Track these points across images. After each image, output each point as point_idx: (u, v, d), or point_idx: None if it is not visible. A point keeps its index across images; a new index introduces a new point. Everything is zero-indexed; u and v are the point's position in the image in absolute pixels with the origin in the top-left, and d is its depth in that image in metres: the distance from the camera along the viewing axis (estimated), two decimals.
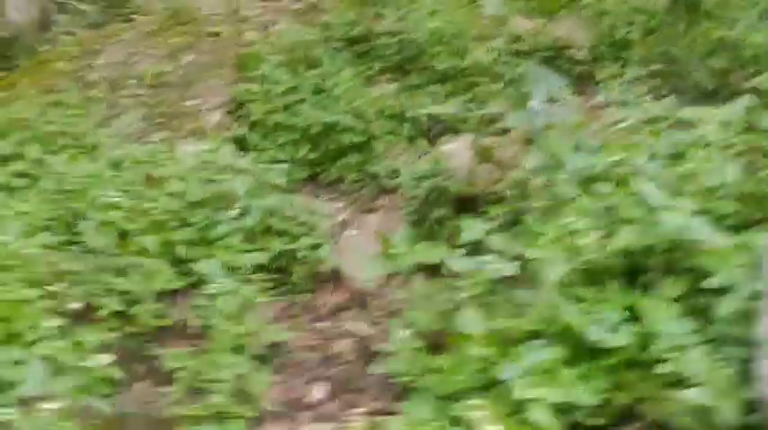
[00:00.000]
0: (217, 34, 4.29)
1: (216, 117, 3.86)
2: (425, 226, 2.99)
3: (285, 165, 3.30)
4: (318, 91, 3.89)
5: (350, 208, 3.55)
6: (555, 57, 4.25)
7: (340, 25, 4.38)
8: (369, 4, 4.55)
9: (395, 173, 3.53)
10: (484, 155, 3.03)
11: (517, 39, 4.40)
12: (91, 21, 6.48)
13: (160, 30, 4.39)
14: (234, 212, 2.80)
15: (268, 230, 2.88)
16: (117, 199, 2.69)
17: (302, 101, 3.83)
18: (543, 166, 2.34)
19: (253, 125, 3.78)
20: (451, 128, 3.78)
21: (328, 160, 3.78)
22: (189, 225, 2.75)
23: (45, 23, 6.09)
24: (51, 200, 2.78)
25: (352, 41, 4.39)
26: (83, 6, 6.56)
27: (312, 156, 3.75)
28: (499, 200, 2.69)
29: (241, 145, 3.58)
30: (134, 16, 6.35)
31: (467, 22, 4.48)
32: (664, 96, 2.93)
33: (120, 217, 2.67)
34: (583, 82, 4.02)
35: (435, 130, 3.87)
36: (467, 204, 2.90)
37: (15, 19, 5.54)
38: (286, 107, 3.81)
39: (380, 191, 3.64)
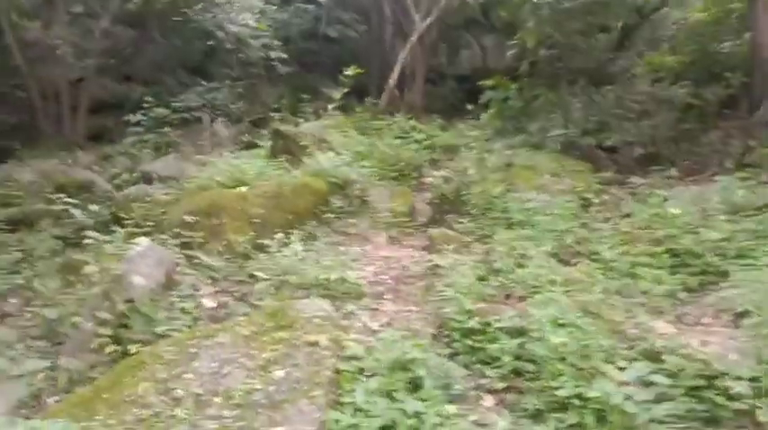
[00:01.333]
0: (315, 343, 4.02)
1: None
2: None
3: None
4: None
5: None
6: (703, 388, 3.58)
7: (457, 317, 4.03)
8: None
9: None
10: None
11: (656, 358, 3.81)
12: (215, 275, 6.54)
13: (257, 334, 4.20)
14: None
15: None
16: None
17: None
18: None
19: None
20: None
21: None
22: None
23: (170, 282, 6.15)
24: None
25: (465, 334, 4.02)
26: (210, 260, 6.70)
27: None
28: None
29: None
30: (254, 273, 6.36)
31: (598, 333, 4.00)
32: None
33: None
34: None
35: None
36: None
37: (140, 283, 5.61)
38: None
39: None
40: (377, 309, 5.13)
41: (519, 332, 4.30)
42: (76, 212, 5.32)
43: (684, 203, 6.45)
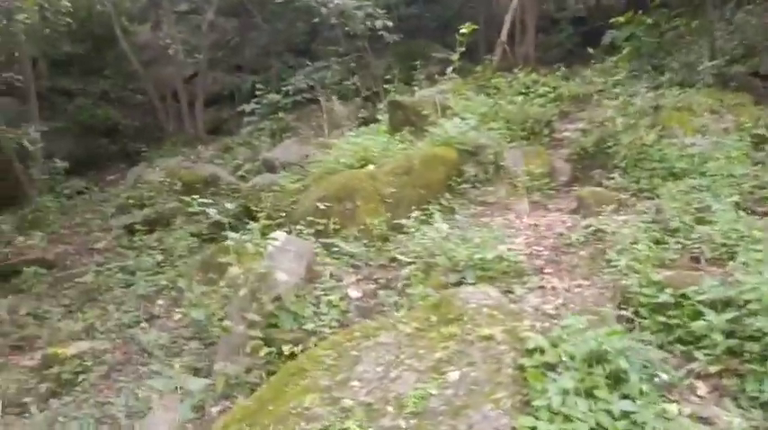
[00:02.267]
0: (489, 337, 3.55)
1: None
2: None
3: None
4: None
5: None
6: None
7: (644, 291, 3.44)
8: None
9: None
10: None
11: None
12: (355, 263, 6.23)
13: (423, 331, 3.77)
14: None
15: None
16: None
17: None
18: None
19: None
20: None
21: None
22: None
23: (312, 275, 5.89)
24: None
25: (656, 310, 3.42)
26: (348, 247, 6.40)
27: None
28: None
29: None
30: (396, 256, 5.99)
31: None
32: None
33: None
34: None
35: None
36: None
37: (284, 279, 5.36)
38: None
39: None
40: (544, 288, 4.58)
41: (726, 303, 3.63)
42: (210, 211, 5.09)
43: None
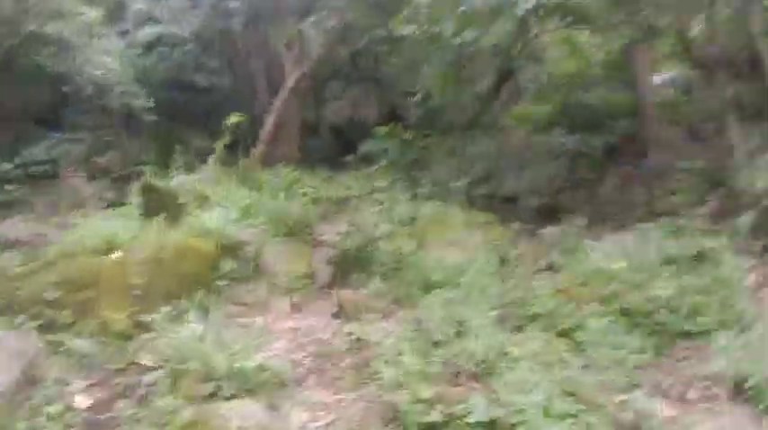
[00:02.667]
0: None
1: None
2: None
3: None
4: None
5: None
6: None
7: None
8: None
9: None
10: None
11: None
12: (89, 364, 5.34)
13: None
14: None
15: None
16: None
17: None
18: None
19: None
20: None
21: None
22: None
23: (31, 378, 4.92)
24: None
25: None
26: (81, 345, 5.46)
27: None
28: None
29: None
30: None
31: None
32: None
33: None
34: None
35: None
36: None
37: None
38: None
39: None
40: (310, 402, 4.21)
41: (492, 425, 3.57)
42: None
43: (615, 255, 6.10)
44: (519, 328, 5.22)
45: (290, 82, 16.17)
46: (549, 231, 8.36)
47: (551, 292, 5.61)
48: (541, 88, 18.66)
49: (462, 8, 7.46)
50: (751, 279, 5.69)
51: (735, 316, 5.13)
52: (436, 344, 4.95)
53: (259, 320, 6.32)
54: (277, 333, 6.01)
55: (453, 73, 8.82)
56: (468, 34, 7.53)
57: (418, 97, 10.81)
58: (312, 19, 15.83)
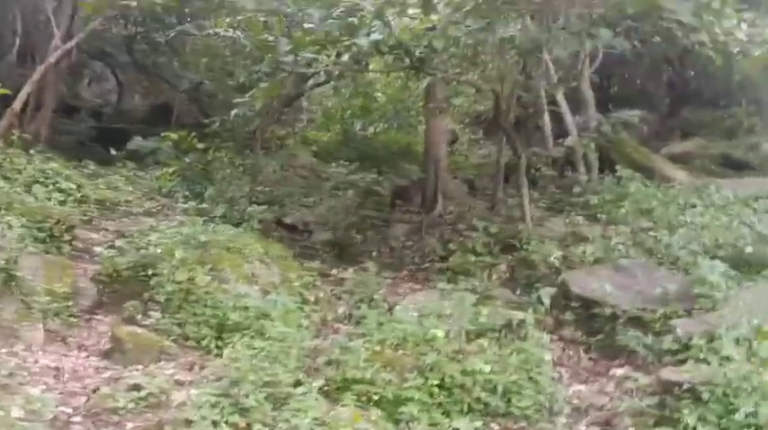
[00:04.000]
0: None
1: None
2: None
3: None
4: None
5: None
6: None
7: None
8: None
9: None
10: None
11: None
12: None
13: None
14: None
15: None
16: None
17: None
18: None
19: None
20: None
21: None
22: None
23: None
24: None
25: None
26: None
27: None
28: None
29: None
30: None
31: None
32: None
33: None
34: None
35: None
36: None
37: None
38: None
39: None
40: None
41: None
42: None
43: (427, 317, 5.83)
44: (336, 398, 4.68)
45: (53, 55, 14.05)
46: (347, 274, 7.96)
47: (367, 354, 5.15)
48: (325, 114, 18.58)
49: (310, 25, 6.84)
50: (550, 356, 5.77)
51: (546, 398, 5.13)
52: (246, 412, 4.22)
53: (3, 353, 5.02)
54: (32, 373, 4.79)
55: (275, 85, 8.11)
56: (305, 55, 6.93)
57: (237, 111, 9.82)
58: None
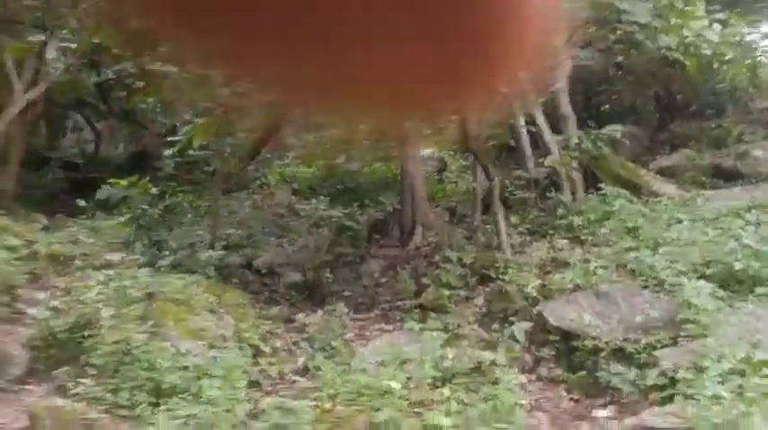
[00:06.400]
0: None
1: None
2: None
3: None
4: None
5: None
6: None
7: None
8: None
9: None
10: None
11: None
12: None
13: None
14: None
15: None
16: None
17: None
18: None
19: None
20: None
21: None
22: None
23: None
24: None
25: None
26: None
27: None
28: None
29: None
30: None
31: None
32: None
33: None
34: None
35: None
36: None
37: None
38: None
39: None
40: None
41: None
42: None
43: (387, 364, 5.25)
44: None
45: (16, 105, 13.67)
46: (310, 319, 7.36)
47: (315, 414, 4.56)
48: (307, 147, 18.09)
49: None
50: (527, 400, 5.18)
51: None
52: None
53: None
54: None
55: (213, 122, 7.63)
56: None
57: (174, 149, 9.34)
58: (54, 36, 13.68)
